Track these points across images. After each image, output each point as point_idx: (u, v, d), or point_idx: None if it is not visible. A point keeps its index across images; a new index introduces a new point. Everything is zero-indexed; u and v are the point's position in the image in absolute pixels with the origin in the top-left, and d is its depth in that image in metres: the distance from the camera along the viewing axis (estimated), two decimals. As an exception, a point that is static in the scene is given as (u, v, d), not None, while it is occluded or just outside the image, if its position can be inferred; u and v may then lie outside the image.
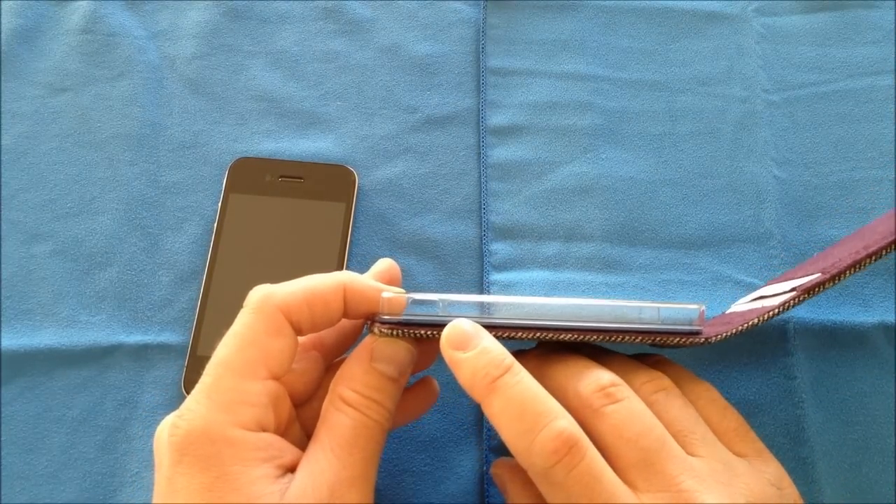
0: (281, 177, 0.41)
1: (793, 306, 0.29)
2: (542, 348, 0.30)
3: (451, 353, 0.26)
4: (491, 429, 0.36)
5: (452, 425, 0.36)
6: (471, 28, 0.46)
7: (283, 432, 0.27)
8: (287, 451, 0.26)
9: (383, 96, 0.44)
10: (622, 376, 0.27)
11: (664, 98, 0.44)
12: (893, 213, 0.32)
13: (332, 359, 0.31)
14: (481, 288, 0.39)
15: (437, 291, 0.35)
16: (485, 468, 0.35)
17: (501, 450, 0.35)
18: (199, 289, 0.38)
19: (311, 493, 0.24)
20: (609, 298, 0.36)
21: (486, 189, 0.41)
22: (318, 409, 0.28)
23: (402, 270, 0.32)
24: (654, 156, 0.42)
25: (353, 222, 0.40)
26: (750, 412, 0.35)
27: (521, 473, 0.28)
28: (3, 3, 0.45)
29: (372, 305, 0.28)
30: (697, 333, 0.28)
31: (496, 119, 0.43)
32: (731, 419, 0.28)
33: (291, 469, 0.26)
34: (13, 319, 0.38)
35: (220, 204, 0.40)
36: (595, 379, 0.26)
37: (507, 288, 0.39)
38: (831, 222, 0.40)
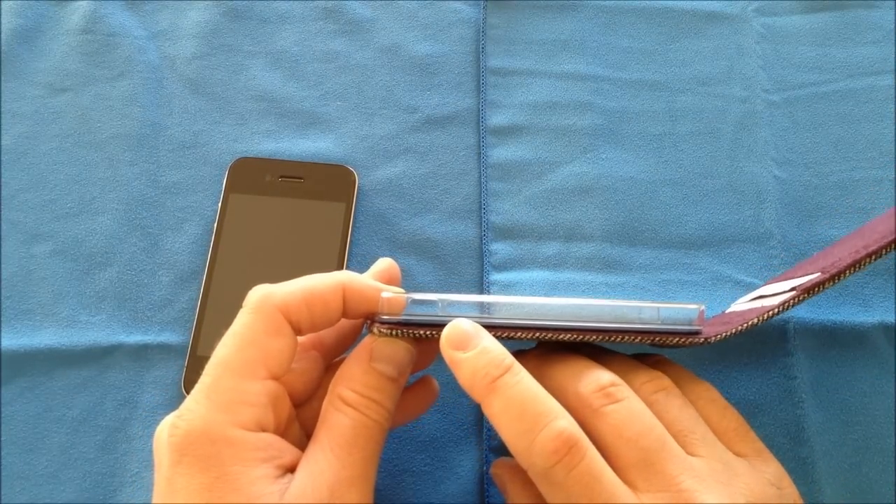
0: (281, 177, 0.41)
1: (792, 306, 0.29)
2: (542, 348, 0.30)
3: (450, 353, 0.26)
4: (491, 429, 0.36)
5: (452, 425, 0.36)
6: (471, 28, 0.46)
7: (282, 432, 0.27)
8: (287, 451, 0.26)
9: (383, 96, 0.44)
10: (622, 376, 0.27)
11: (664, 98, 0.44)
12: (893, 212, 0.32)
13: (331, 359, 0.31)
14: (481, 288, 0.39)
15: (436, 291, 0.35)
16: (485, 468, 0.35)
17: (501, 450, 0.35)
18: (199, 289, 0.38)
19: (310, 493, 0.24)
20: (609, 298, 0.36)
21: (486, 189, 0.41)
22: (317, 409, 0.27)
23: (402, 270, 0.32)
24: (654, 156, 0.42)
25: (353, 222, 0.40)
26: (750, 412, 0.35)
27: (521, 473, 0.28)
28: (3, 3, 0.45)
29: (371, 305, 0.28)
30: (697, 333, 0.28)
31: (496, 119, 0.43)
32: (731, 419, 0.28)
33: (291, 469, 0.26)
34: (13, 319, 0.38)
35: (220, 204, 0.40)
36: (595, 379, 0.26)
37: (507, 288, 0.39)
38: (831, 222, 0.40)
